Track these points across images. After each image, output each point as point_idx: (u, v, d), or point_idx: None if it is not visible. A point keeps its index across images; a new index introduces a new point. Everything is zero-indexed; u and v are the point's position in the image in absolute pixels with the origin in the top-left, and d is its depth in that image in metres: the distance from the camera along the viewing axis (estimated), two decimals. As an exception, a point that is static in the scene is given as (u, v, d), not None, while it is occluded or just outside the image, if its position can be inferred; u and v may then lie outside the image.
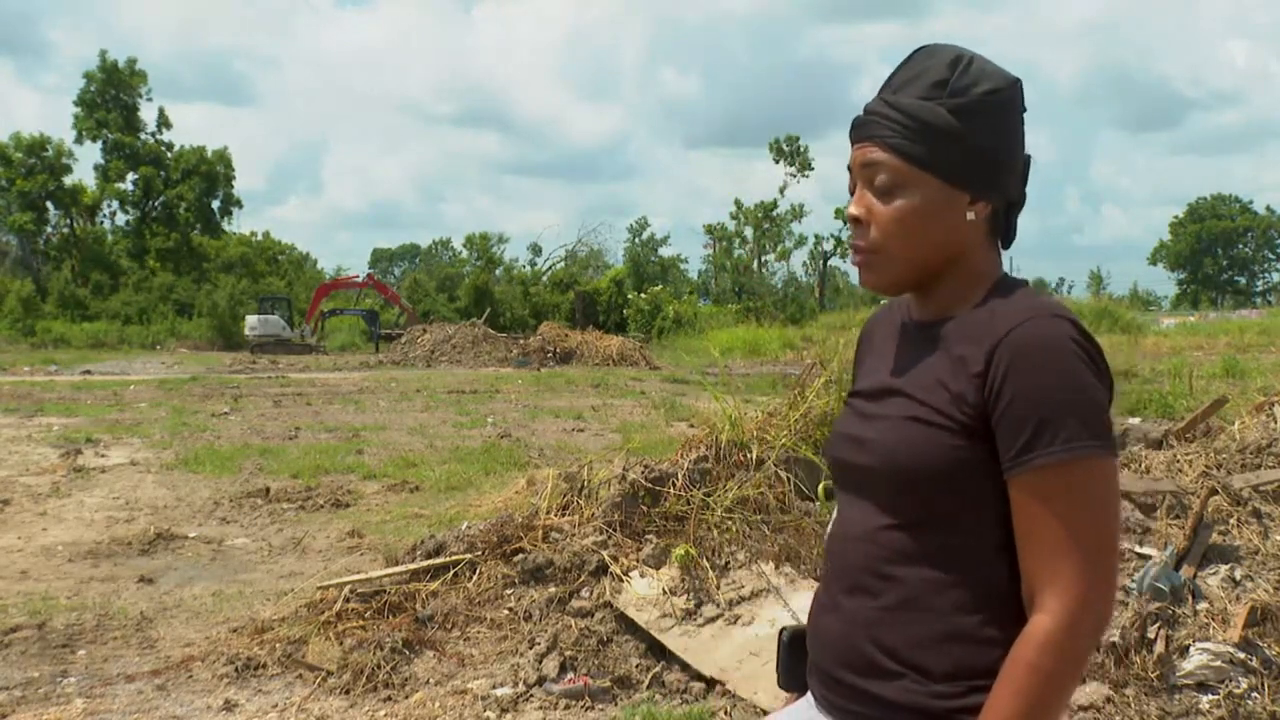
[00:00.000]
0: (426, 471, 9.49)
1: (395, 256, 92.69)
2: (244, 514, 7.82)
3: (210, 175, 49.62)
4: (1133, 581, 3.75)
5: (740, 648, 4.11)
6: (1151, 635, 3.58)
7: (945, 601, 1.34)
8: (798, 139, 53.89)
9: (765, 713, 3.56)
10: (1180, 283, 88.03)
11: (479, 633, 4.44)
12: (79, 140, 47.99)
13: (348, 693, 4.07)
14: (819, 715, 1.46)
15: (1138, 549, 3.98)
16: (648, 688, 4.05)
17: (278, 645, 4.45)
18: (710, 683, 4.04)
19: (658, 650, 4.21)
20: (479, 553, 4.81)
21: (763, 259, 54.17)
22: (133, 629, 5.02)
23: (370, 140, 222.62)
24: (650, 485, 4.78)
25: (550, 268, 51.87)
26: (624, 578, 4.45)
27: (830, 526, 1.54)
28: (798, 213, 53.45)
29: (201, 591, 5.72)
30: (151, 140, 49.45)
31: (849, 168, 1.44)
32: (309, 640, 4.44)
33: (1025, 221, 1.45)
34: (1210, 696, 3.44)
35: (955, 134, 1.35)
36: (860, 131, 1.42)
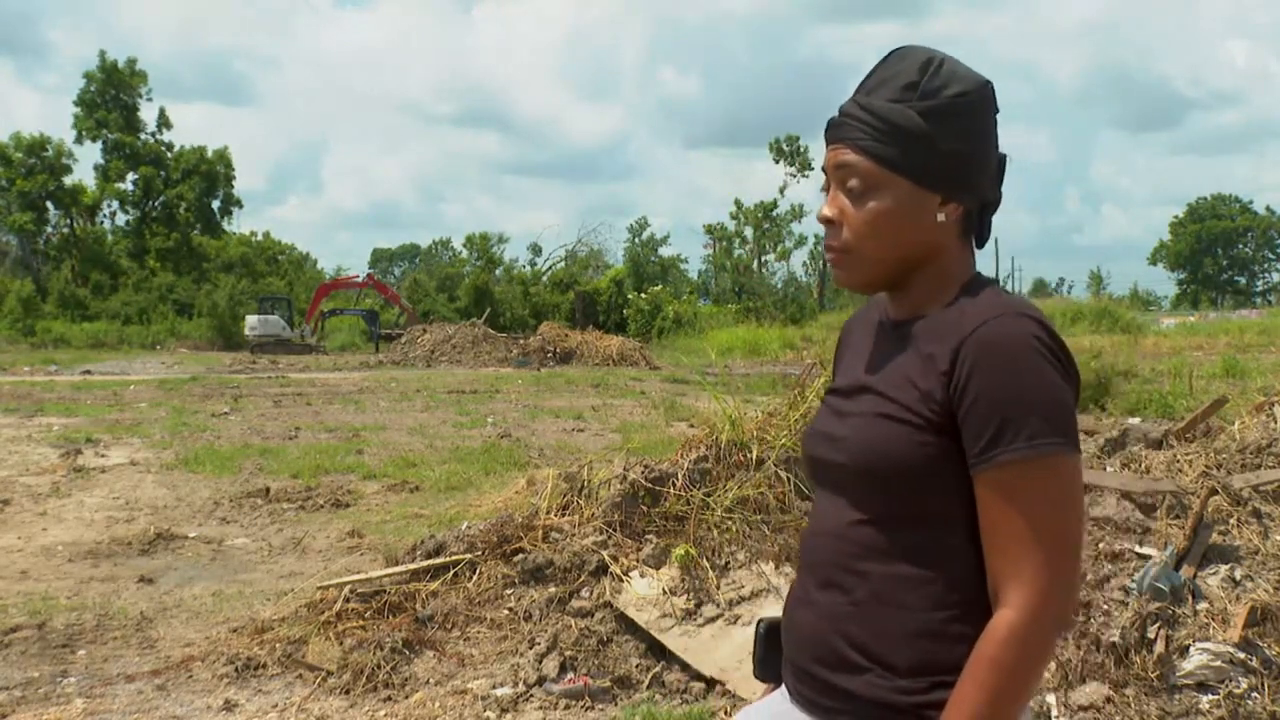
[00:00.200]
0: (426, 471, 9.49)
1: (395, 256, 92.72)
2: (244, 514, 7.82)
3: (210, 175, 49.69)
4: (1133, 581, 3.75)
5: (740, 648, 4.10)
6: (1151, 635, 3.58)
7: (915, 597, 1.35)
8: (798, 139, 53.90)
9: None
10: (1180, 283, 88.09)
11: (479, 633, 4.43)
12: (79, 140, 48.13)
13: (348, 693, 4.07)
14: (793, 708, 1.47)
15: (1138, 549, 3.98)
16: (648, 688, 4.05)
17: (278, 645, 4.45)
18: (710, 683, 4.04)
19: (658, 650, 4.21)
20: (479, 553, 4.81)
21: (763, 259, 54.18)
22: (133, 629, 5.02)
23: (370, 140, 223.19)
24: (650, 485, 4.78)
25: (550, 268, 51.84)
26: (624, 578, 4.45)
27: (807, 522, 1.55)
28: (798, 213, 53.44)
29: (201, 591, 5.72)
30: (151, 140, 49.52)
31: (823, 169, 1.46)
32: (309, 640, 4.44)
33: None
34: (1210, 696, 3.44)
35: (925, 136, 1.36)
36: (834, 133, 1.43)
